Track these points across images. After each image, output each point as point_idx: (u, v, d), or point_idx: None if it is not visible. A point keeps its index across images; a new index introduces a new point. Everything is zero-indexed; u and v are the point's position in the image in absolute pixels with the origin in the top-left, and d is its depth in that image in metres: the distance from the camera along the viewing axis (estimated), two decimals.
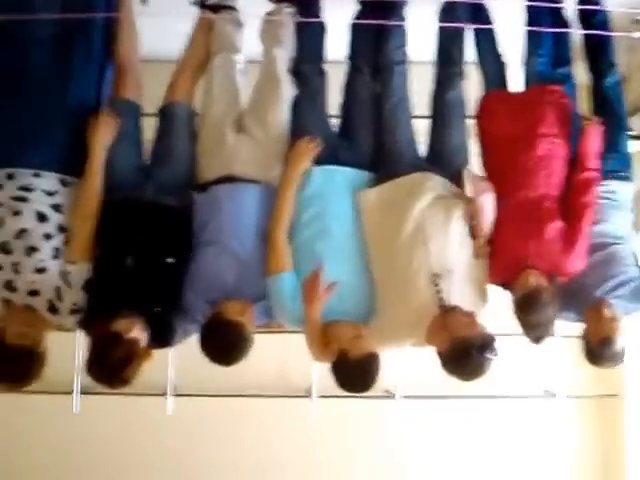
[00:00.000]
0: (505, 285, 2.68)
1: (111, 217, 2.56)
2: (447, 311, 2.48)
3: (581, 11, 3.06)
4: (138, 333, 2.37)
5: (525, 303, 2.55)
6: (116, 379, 2.36)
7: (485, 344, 2.38)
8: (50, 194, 2.53)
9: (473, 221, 2.62)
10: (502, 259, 2.64)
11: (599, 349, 2.60)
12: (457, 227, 2.60)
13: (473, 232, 2.64)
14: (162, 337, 2.53)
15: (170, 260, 2.56)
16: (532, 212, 2.67)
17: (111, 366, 2.33)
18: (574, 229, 2.66)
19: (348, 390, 2.45)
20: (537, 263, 2.62)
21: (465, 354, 2.37)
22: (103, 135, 2.62)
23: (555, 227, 2.66)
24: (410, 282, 2.54)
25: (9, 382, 2.36)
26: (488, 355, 2.37)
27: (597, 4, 3.02)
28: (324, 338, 2.48)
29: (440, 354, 2.46)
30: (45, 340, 2.40)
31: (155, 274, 2.53)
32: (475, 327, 2.44)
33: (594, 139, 2.80)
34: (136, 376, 2.38)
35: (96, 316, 2.45)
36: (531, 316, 2.54)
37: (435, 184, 2.68)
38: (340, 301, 2.51)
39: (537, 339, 2.60)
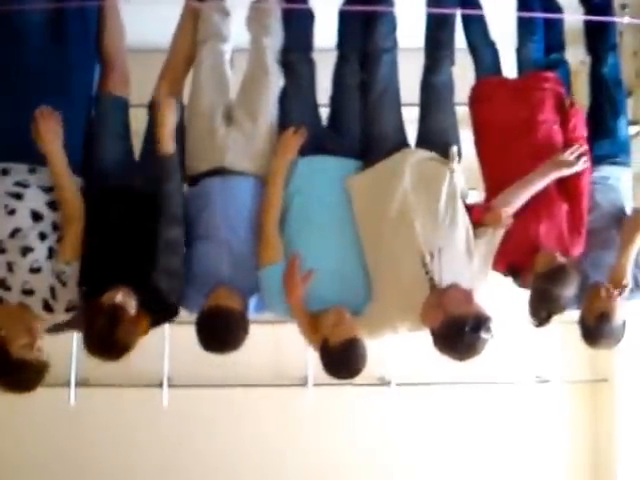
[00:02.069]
0: (511, 270, 2.69)
1: (96, 205, 2.53)
2: (443, 289, 2.44)
3: None
4: (122, 298, 2.33)
5: (554, 275, 2.51)
6: (110, 345, 2.32)
7: (479, 322, 2.33)
8: (46, 190, 2.50)
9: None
10: (513, 242, 2.61)
11: (596, 325, 2.57)
12: (445, 203, 2.58)
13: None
14: (157, 302, 2.46)
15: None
16: (539, 196, 2.65)
17: (99, 333, 2.29)
18: (576, 211, 2.69)
19: (335, 377, 2.44)
20: (547, 245, 2.63)
21: (458, 332, 2.32)
22: (48, 134, 2.47)
23: (562, 209, 2.68)
24: (399, 264, 2.52)
25: (13, 391, 2.33)
26: (482, 334, 2.32)
27: None
28: (314, 327, 2.47)
29: (433, 332, 2.42)
30: (43, 344, 2.35)
31: (135, 244, 2.50)
32: (470, 305, 2.39)
33: (582, 121, 2.81)
34: (132, 340, 2.35)
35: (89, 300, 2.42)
36: (557, 288, 2.50)
37: (418, 157, 2.67)
38: (330, 290, 2.50)
39: (546, 317, 2.55)
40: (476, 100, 2.90)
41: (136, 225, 2.53)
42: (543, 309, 2.55)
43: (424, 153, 2.69)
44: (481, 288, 2.56)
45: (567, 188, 2.71)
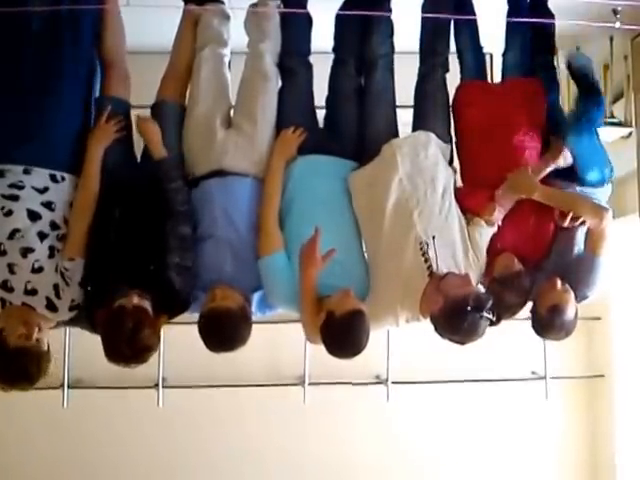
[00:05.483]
0: None
1: (100, 203, 2.59)
2: (440, 276, 2.48)
3: None
4: (140, 300, 2.36)
5: (507, 282, 2.56)
6: (138, 349, 2.33)
7: (480, 302, 2.37)
8: (41, 191, 2.53)
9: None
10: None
11: (547, 316, 2.53)
12: (442, 191, 2.65)
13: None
14: (170, 300, 2.50)
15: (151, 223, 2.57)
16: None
17: (126, 337, 2.29)
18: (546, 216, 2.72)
19: (337, 353, 2.43)
20: (513, 247, 2.67)
21: (460, 312, 2.36)
22: (102, 137, 2.65)
23: (532, 214, 2.71)
24: (399, 254, 2.57)
25: (17, 384, 2.35)
26: (484, 314, 2.35)
27: None
28: (317, 309, 2.46)
29: (434, 317, 2.46)
30: (46, 336, 2.38)
31: (136, 241, 2.54)
32: (470, 287, 2.45)
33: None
34: (155, 342, 2.39)
35: (96, 305, 2.44)
36: (508, 295, 2.53)
37: (408, 149, 2.72)
38: (334, 279, 2.51)
39: (497, 319, 2.50)
40: (457, 103, 2.92)
41: (142, 224, 2.57)
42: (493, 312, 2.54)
43: (411, 139, 2.76)
44: (475, 277, 2.61)
45: None
